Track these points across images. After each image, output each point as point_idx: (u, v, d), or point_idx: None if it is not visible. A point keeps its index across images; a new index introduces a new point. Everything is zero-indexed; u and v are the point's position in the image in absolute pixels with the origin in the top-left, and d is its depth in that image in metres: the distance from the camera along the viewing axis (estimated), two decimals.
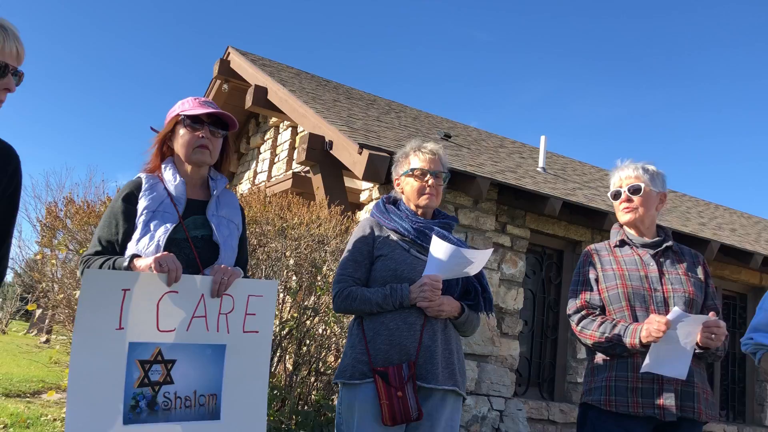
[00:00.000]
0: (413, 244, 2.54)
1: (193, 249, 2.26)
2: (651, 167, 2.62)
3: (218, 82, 10.00)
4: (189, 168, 2.39)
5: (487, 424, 6.48)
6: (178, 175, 2.35)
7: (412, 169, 2.60)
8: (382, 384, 2.31)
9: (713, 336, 2.28)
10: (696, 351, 2.34)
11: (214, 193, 2.40)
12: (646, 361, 2.27)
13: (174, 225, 2.25)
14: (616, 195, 2.62)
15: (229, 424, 2.18)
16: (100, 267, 2.16)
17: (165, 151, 2.42)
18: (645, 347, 2.28)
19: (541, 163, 9.32)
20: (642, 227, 2.57)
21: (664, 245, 2.55)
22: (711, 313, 2.31)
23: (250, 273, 5.59)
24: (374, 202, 7.17)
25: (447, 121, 11.14)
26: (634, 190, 2.58)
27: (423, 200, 2.59)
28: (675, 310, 2.23)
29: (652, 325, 2.25)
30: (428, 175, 2.58)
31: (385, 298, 2.41)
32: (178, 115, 2.37)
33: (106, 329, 2.05)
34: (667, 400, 2.31)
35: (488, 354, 6.79)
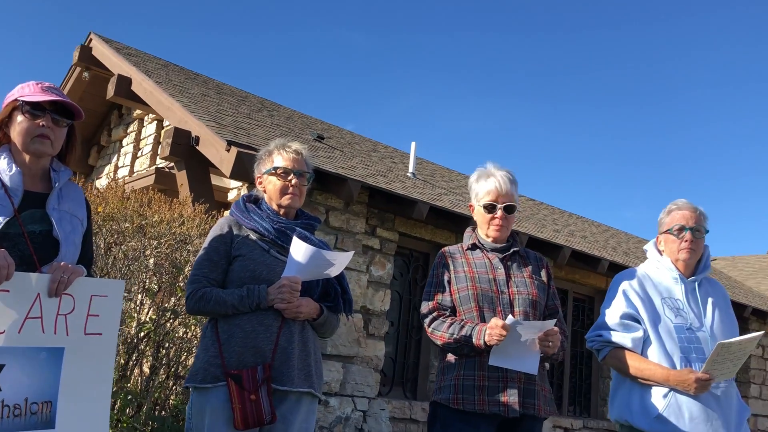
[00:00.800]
0: (273, 245, 2.49)
1: (29, 244, 2.10)
2: (513, 178, 2.70)
3: (78, 69, 9.39)
4: (27, 158, 2.21)
5: (351, 425, 6.52)
6: (14, 165, 2.17)
7: (275, 168, 2.55)
8: (234, 387, 2.25)
9: (550, 344, 2.42)
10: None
11: (56, 185, 2.23)
12: (493, 354, 2.38)
13: (7, 218, 2.08)
14: (491, 208, 2.63)
15: None
16: None
17: (0, 138, 2.23)
18: (490, 347, 2.39)
19: (411, 169, 9.54)
20: (502, 239, 2.67)
21: (512, 250, 2.68)
22: (549, 325, 2.42)
23: (104, 273, 5.29)
24: None
25: (321, 122, 11.13)
26: (509, 209, 2.65)
27: (285, 200, 2.54)
28: (510, 318, 2.36)
29: (494, 330, 2.36)
30: (291, 175, 2.54)
31: (242, 299, 2.35)
32: (16, 100, 2.19)
33: None
34: (511, 397, 2.43)
35: (354, 355, 6.84)
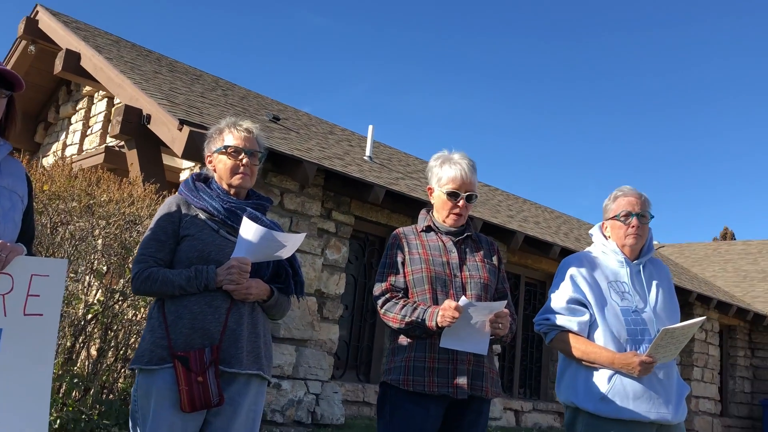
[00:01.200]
0: (223, 225, 2.43)
1: None
2: (474, 166, 2.68)
3: (23, 42, 9.04)
4: None
5: (303, 408, 6.52)
6: None
7: (226, 147, 2.48)
8: (181, 369, 2.20)
9: (500, 325, 2.45)
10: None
11: None
12: (444, 336, 2.40)
13: None
14: (453, 195, 2.61)
15: (1, 416, 1.97)
16: None
17: None
18: (442, 329, 2.40)
19: (368, 152, 9.51)
20: (459, 226, 2.67)
21: (466, 234, 2.69)
22: (500, 306, 2.44)
23: (50, 253, 5.13)
24: None
25: (277, 103, 10.99)
26: (471, 198, 2.65)
27: (236, 180, 2.48)
28: (463, 299, 2.37)
29: (446, 312, 2.37)
30: (243, 154, 2.48)
31: (189, 280, 2.29)
32: None
33: None
34: (460, 379, 2.45)
35: (308, 338, 6.82)
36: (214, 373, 2.23)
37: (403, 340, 2.54)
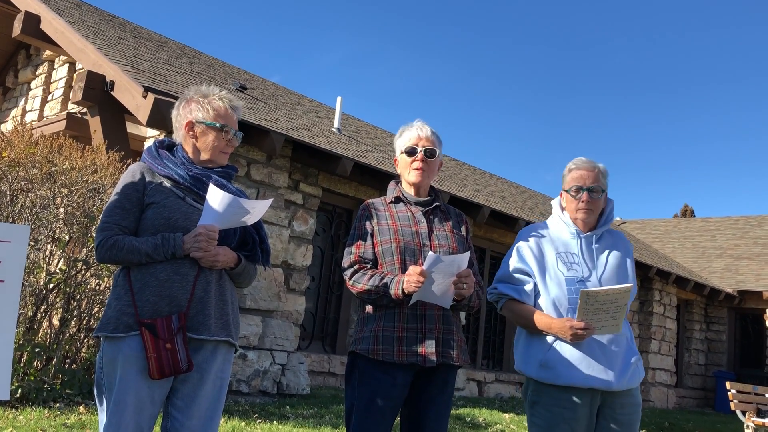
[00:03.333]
0: (189, 192, 2.39)
1: None
2: (438, 134, 2.73)
3: None
4: None
5: (269, 378, 6.54)
6: None
7: (222, 126, 2.43)
8: (149, 336, 2.19)
9: (465, 286, 2.48)
10: (452, 302, 2.54)
11: None
12: (411, 302, 2.44)
13: None
14: (411, 152, 2.65)
15: None
16: None
17: None
18: (408, 296, 2.43)
19: (336, 124, 9.46)
20: (422, 188, 2.69)
21: (434, 204, 2.71)
22: (464, 258, 2.48)
23: (10, 221, 5.02)
24: None
25: (244, 72, 10.82)
26: (430, 154, 2.67)
27: (221, 158, 2.46)
28: (430, 255, 2.40)
29: (411, 277, 2.40)
30: (232, 134, 2.46)
31: (156, 247, 2.27)
32: None
33: None
34: (429, 347, 2.49)
35: (274, 309, 6.83)
36: (182, 339, 2.23)
37: (371, 310, 2.56)
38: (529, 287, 2.64)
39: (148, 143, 7.51)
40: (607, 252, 2.72)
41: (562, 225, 2.75)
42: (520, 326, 2.69)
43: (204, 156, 2.45)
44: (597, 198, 2.69)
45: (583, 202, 2.66)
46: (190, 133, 2.46)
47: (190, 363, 2.24)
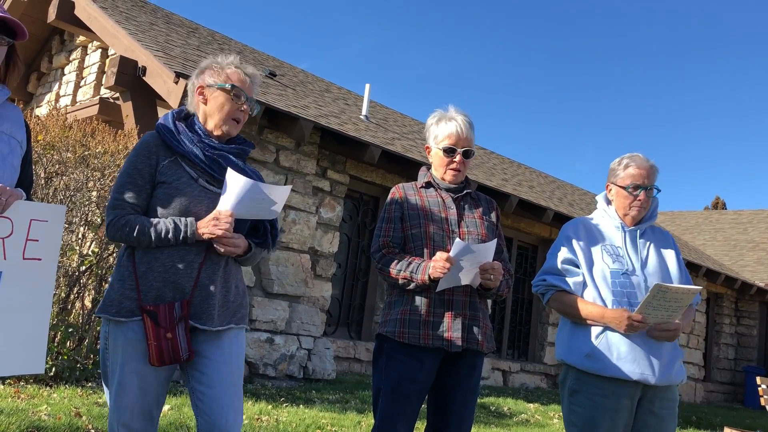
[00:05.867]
0: (203, 174, 2.28)
1: None
2: (472, 124, 2.70)
3: None
4: None
5: (295, 362, 6.61)
6: None
7: (233, 87, 2.29)
8: (150, 324, 2.13)
9: (491, 278, 2.48)
10: (479, 290, 2.54)
11: None
12: (439, 288, 2.44)
13: None
14: (450, 151, 2.62)
15: (1, 355, 1.99)
16: None
17: None
18: (433, 282, 2.43)
19: (364, 111, 9.45)
20: (458, 183, 2.68)
21: (465, 191, 2.70)
22: (491, 246, 2.47)
23: (45, 202, 5.12)
24: None
25: (273, 59, 10.86)
26: (468, 154, 2.65)
27: (230, 126, 2.31)
28: (457, 242, 2.39)
29: (438, 263, 2.40)
30: (243, 99, 2.30)
31: (167, 232, 2.18)
32: None
33: None
34: (455, 332, 2.49)
35: (301, 295, 6.88)
36: (184, 328, 2.16)
37: (400, 293, 2.57)
38: (578, 279, 2.64)
39: (163, 113, 7.58)
40: (652, 247, 2.72)
41: (607, 219, 2.75)
42: (567, 316, 2.68)
43: (212, 123, 2.32)
44: (651, 196, 2.70)
45: (639, 200, 2.67)
46: (200, 97, 2.34)
47: (191, 352, 2.18)
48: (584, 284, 2.63)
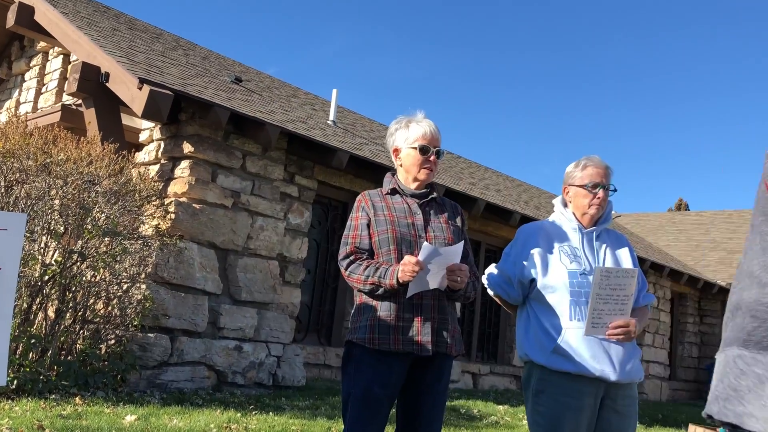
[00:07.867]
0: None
1: None
2: (439, 131, 2.75)
3: None
4: None
5: (264, 370, 6.56)
6: None
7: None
8: None
9: (458, 279, 2.51)
10: (447, 292, 2.57)
11: None
12: (409, 292, 2.46)
13: None
14: (425, 150, 2.68)
15: None
16: None
17: None
18: (402, 286, 2.45)
19: (331, 117, 9.45)
20: (428, 183, 2.72)
21: (430, 196, 2.72)
22: (458, 247, 2.53)
23: (6, 211, 5.00)
24: (154, 143, 6.77)
25: (239, 64, 10.79)
26: (439, 154, 2.72)
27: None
28: (425, 246, 2.42)
29: (406, 266, 2.42)
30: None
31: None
32: None
33: None
34: (425, 336, 2.50)
35: (269, 302, 6.84)
36: None
37: (368, 299, 2.57)
38: (523, 282, 2.72)
39: (143, 135, 7.47)
40: (607, 248, 2.79)
41: (564, 220, 2.81)
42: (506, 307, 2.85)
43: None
44: (610, 195, 2.79)
45: (598, 198, 2.75)
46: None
47: None
48: (544, 286, 2.68)
